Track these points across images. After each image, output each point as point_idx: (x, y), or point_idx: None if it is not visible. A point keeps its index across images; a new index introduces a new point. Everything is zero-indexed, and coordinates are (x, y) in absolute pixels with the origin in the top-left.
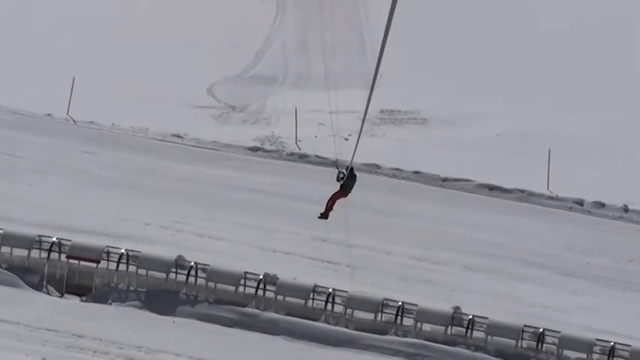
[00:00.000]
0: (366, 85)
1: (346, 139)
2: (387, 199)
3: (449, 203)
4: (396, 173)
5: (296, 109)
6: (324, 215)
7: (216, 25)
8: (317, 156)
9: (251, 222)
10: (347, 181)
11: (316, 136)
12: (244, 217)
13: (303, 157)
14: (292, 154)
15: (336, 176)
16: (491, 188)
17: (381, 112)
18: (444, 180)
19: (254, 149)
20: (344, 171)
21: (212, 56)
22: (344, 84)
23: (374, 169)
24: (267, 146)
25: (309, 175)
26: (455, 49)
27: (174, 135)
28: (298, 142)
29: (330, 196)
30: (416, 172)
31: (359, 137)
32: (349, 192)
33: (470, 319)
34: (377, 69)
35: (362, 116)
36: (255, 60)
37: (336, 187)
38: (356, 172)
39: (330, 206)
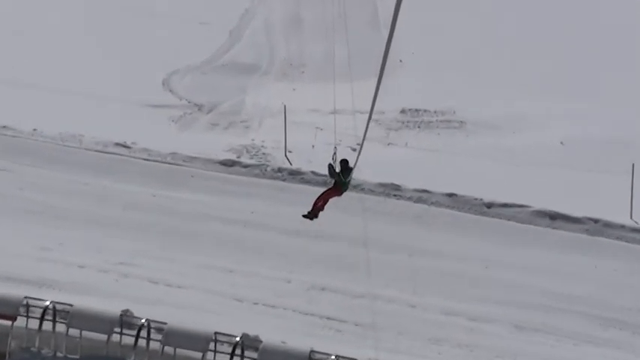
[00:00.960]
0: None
1: (354, 149)
2: (410, 231)
3: (495, 237)
4: (423, 196)
5: (285, 107)
6: (311, 215)
7: None
8: (314, 173)
9: (224, 263)
10: (341, 175)
11: (313, 146)
12: (214, 257)
13: (294, 175)
14: (280, 170)
15: (327, 170)
16: (553, 217)
17: (402, 112)
18: (489, 206)
19: (228, 163)
20: (332, 163)
21: (171, 36)
22: (352, 74)
23: (392, 190)
24: (245, 159)
25: (303, 198)
26: (501, 32)
27: (118, 144)
28: (288, 154)
29: (321, 193)
30: (450, 195)
31: (363, 140)
32: (345, 189)
33: None
34: (387, 49)
35: (376, 120)
36: (229, 42)
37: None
38: (351, 165)
39: (320, 205)
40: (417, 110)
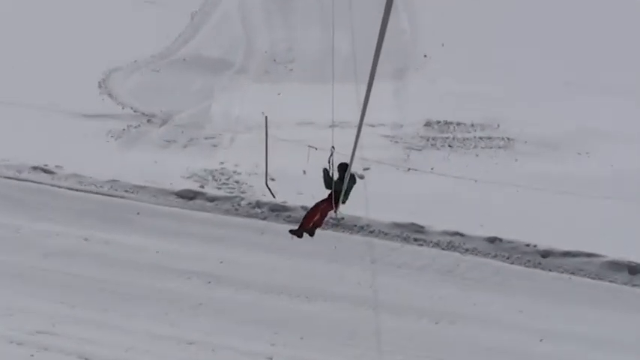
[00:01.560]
0: (397, 75)
1: (361, 177)
2: (436, 290)
3: (553, 298)
4: (455, 241)
5: (266, 119)
6: (298, 232)
7: None
8: (305, 209)
9: (181, 333)
10: (339, 183)
11: (304, 172)
12: (168, 325)
13: (278, 211)
14: (259, 204)
15: (323, 177)
16: (634, 271)
17: (427, 125)
18: (545, 254)
19: (188, 195)
20: (328, 167)
21: (109, 19)
22: (357, 73)
23: (413, 233)
24: (211, 189)
25: (290, 244)
26: (557, 19)
27: (37, 168)
28: (270, 183)
29: (312, 206)
30: (491, 240)
31: (354, 150)
32: (344, 201)
33: None
34: (382, 32)
35: (393, 136)
36: (190, 28)
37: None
38: (357, 176)
39: (310, 221)
40: (447, 123)
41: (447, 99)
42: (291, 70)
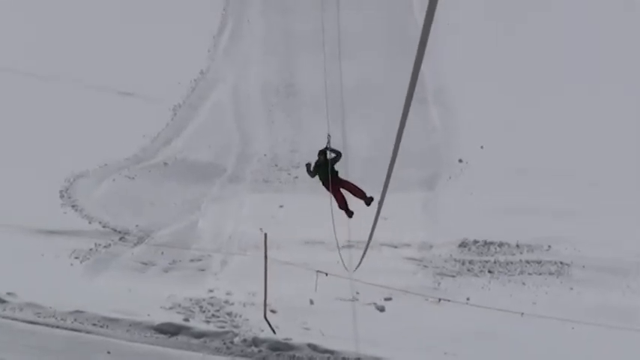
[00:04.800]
0: (427, 184)
1: (381, 309)
2: None
3: None
4: None
5: (266, 236)
6: (349, 213)
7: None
8: (313, 347)
9: None
10: (324, 169)
11: (312, 301)
12: None
13: (280, 350)
14: (256, 341)
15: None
16: None
17: (463, 245)
18: None
19: (169, 330)
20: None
21: (76, 115)
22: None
23: None
24: (198, 323)
25: None
26: (618, 117)
27: None
28: (269, 315)
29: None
30: None
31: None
32: (335, 176)
33: None
34: (402, 127)
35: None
36: (173, 125)
37: None
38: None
39: (343, 203)
40: (486, 243)
41: (488, 214)
42: (296, 177)
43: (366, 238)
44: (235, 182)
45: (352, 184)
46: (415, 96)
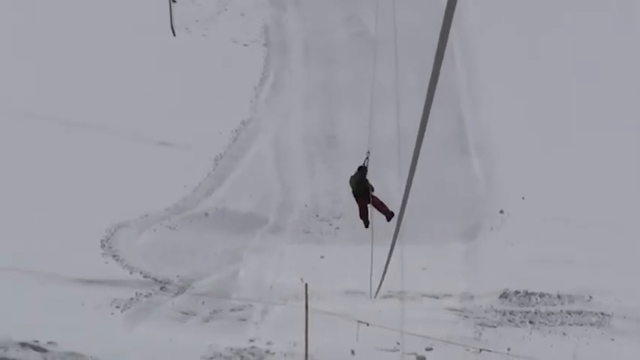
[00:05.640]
0: (468, 235)
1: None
2: None
3: None
4: None
5: (307, 287)
6: (366, 223)
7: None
8: None
9: None
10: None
11: (353, 352)
12: None
13: None
14: None
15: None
16: None
17: (504, 296)
18: None
19: None
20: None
21: (114, 166)
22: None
23: None
24: None
25: None
26: None
27: (26, 345)
28: None
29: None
30: None
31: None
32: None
33: None
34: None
35: (461, 310)
36: (214, 176)
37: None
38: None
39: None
40: (528, 294)
41: (529, 265)
42: (338, 228)
43: (405, 289)
44: (276, 233)
45: (378, 200)
46: (457, 146)
